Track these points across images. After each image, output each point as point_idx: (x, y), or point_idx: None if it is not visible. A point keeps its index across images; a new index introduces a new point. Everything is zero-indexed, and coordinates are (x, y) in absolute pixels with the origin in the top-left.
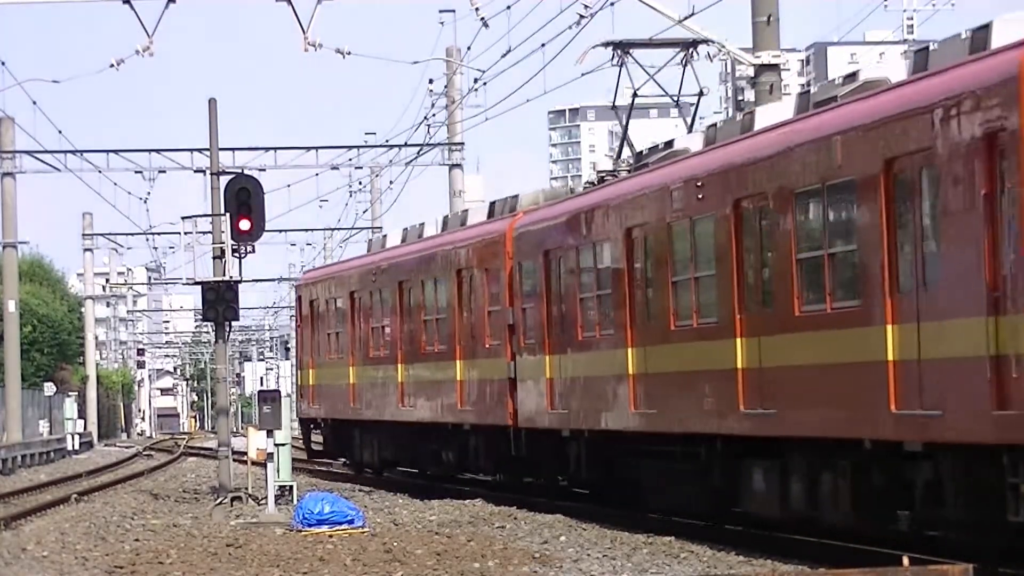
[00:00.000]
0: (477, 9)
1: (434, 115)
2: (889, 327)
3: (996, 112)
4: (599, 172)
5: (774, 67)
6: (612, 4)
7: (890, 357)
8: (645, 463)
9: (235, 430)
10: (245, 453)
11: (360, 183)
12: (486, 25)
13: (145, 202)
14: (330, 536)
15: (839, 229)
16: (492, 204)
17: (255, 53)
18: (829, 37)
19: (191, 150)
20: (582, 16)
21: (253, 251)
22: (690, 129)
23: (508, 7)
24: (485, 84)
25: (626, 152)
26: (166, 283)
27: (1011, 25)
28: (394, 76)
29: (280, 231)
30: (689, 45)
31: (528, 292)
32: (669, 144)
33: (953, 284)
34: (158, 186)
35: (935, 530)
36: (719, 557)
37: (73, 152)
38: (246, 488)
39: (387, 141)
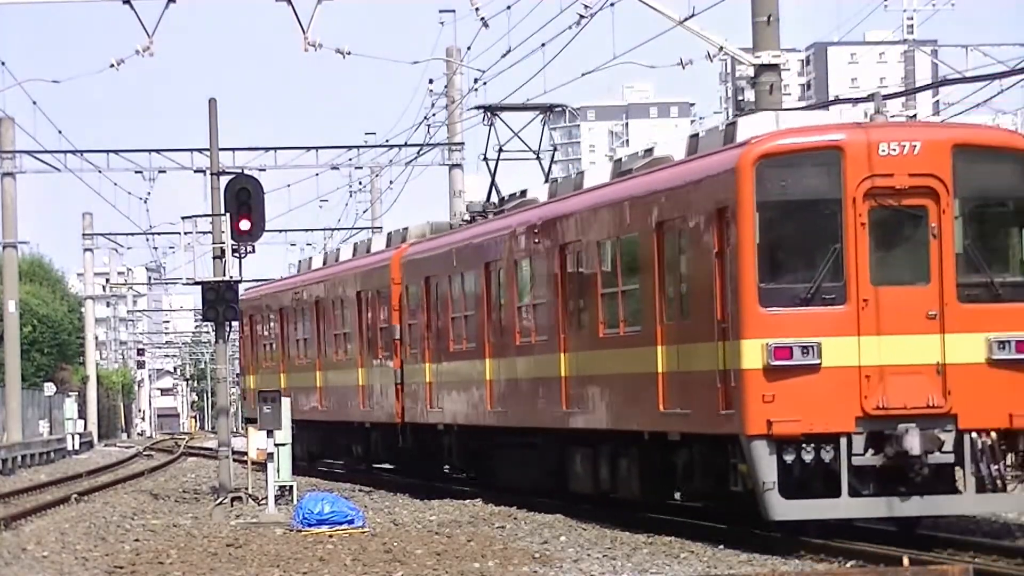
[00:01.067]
0: (477, 9)
1: (434, 115)
2: (659, 347)
3: (724, 192)
4: (471, 212)
5: (774, 67)
6: (612, 4)
7: (660, 370)
8: (499, 451)
9: (235, 430)
10: (245, 453)
11: (360, 183)
12: (486, 25)
13: (145, 202)
14: (330, 536)
15: (628, 272)
16: (389, 234)
17: (255, 53)
18: (829, 37)
19: (191, 150)
20: (582, 16)
21: (253, 251)
22: (546, 179)
23: (508, 7)
24: (485, 84)
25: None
26: (166, 283)
27: (751, 125)
28: (394, 76)
29: (280, 231)
30: (547, 109)
31: (412, 311)
32: (524, 193)
33: (698, 317)
34: (158, 186)
35: (694, 501)
36: (719, 557)
37: (73, 152)
38: (246, 488)
39: (387, 141)
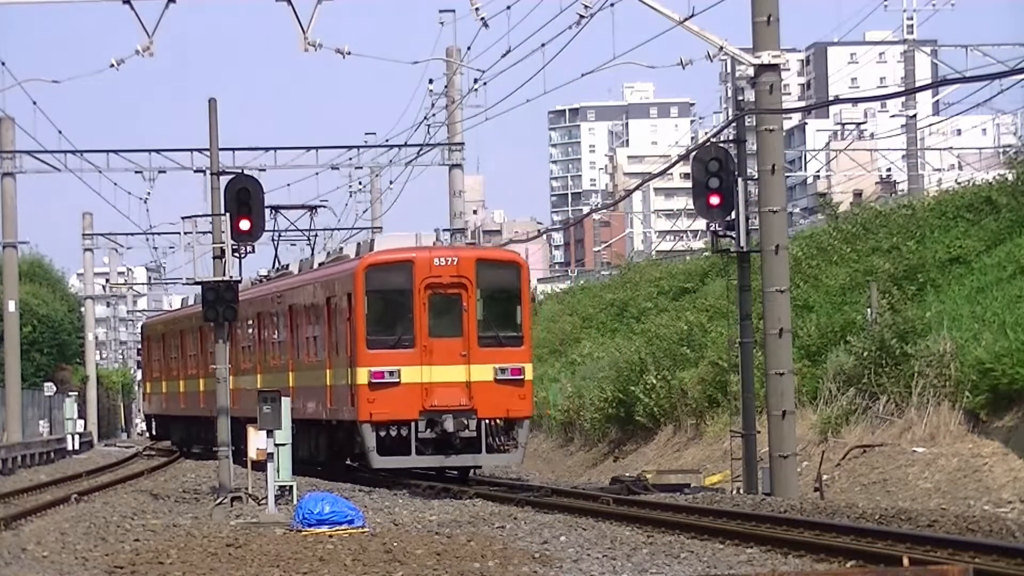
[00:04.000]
0: (477, 9)
1: (434, 115)
2: (328, 370)
3: (350, 284)
4: (260, 275)
5: (774, 67)
6: (612, 4)
7: (328, 383)
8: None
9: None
10: (245, 453)
11: (360, 183)
12: (486, 25)
13: (145, 202)
14: (330, 536)
15: (316, 325)
16: None
17: (255, 53)
18: (829, 37)
19: (191, 150)
20: (582, 16)
21: (253, 251)
22: (312, 254)
23: (508, 7)
24: (485, 84)
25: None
26: (166, 283)
27: (386, 241)
28: (394, 76)
29: (280, 231)
30: (312, 208)
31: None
32: (286, 267)
33: (342, 353)
34: (158, 186)
35: (350, 462)
36: (719, 557)
37: (73, 152)
38: (246, 488)
39: (387, 141)
